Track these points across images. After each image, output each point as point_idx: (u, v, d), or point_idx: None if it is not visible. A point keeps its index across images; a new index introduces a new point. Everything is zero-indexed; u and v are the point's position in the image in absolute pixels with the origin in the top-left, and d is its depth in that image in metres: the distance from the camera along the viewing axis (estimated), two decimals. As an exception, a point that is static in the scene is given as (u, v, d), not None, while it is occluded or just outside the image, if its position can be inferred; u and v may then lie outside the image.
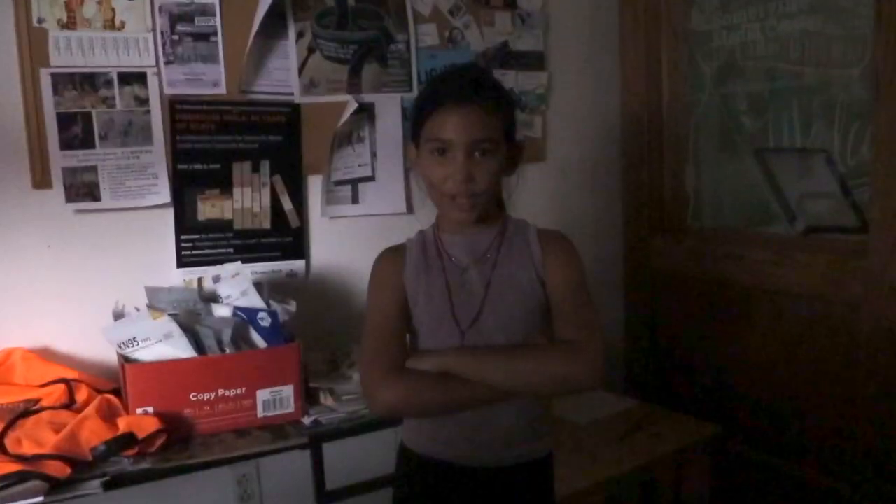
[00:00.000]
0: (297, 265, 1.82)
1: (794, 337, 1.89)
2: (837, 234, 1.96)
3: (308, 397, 1.51)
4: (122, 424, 1.34)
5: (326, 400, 1.51)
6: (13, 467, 1.20)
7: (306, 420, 1.47)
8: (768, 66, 2.10)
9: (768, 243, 2.00)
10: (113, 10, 1.60)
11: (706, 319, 2.13)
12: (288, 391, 1.47)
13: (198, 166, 1.70)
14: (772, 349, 1.94)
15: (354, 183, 1.87)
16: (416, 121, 1.17)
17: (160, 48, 1.64)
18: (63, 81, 1.57)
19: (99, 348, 1.58)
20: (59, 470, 1.22)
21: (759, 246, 2.00)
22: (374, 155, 1.88)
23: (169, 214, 1.69)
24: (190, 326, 1.41)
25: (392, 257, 1.23)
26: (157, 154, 1.65)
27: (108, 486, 1.24)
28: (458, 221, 1.18)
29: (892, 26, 1.61)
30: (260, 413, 1.45)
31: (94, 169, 1.61)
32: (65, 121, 1.58)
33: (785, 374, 1.91)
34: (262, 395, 1.45)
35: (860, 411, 1.71)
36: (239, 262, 1.59)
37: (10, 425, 1.34)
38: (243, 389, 1.43)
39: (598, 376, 1.09)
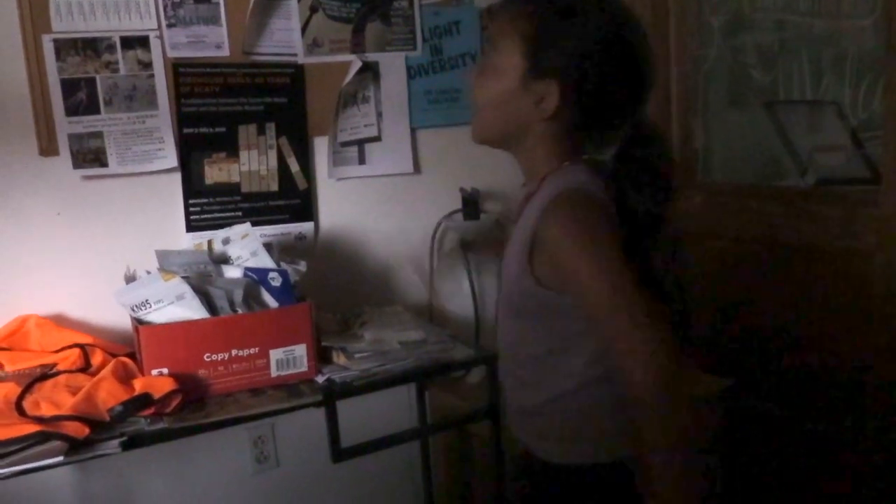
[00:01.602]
0: (306, 227, 1.82)
1: (808, 288, 1.88)
2: (849, 186, 1.94)
3: (321, 356, 1.52)
4: (138, 385, 1.35)
5: (339, 359, 1.52)
6: (33, 428, 1.21)
7: (319, 378, 1.48)
8: (777, 18, 2.06)
9: (779, 196, 1.98)
10: (113, -28, 1.58)
11: (718, 274, 2.12)
12: (301, 350, 1.47)
13: (203, 130, 1.69)
14: (785, 301, 1.94)
15: (361, 144, 1.86)
16: None
17: (162, 11, 1.62)
18: (65, 47, 1.56)
19: (112, 314, 1.60)
20: (77, 430, 1.23)
21: (770, 199, 1.98)
22: (379, 115, 1.87)
23: (176, 179, 1.69)
24: (201, 288, 1.41)
25: None
26: (162, 118, 1.65)
27: (126, 446, 1.24)
28: None
29: (904, -27, 1.58)
30: (274, 372, 1.46)
31: (100, 135, 1.60)
32: (69, 87, 1.57)
33: (799, 326, 1.91)
34: (276, 354, 1.45)
35: (874, 361, 1.71)
36: (248, 224, 1.59)
37: (28, 389, 1.35)
38: (256, 349, 1.44)
39: (663, 380, 0.87)
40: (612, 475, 1.01)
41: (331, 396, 1.44)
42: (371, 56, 1.83)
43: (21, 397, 1.32)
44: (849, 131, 2.06)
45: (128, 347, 1.54)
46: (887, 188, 1.66)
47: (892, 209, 1.64)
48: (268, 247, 1.53)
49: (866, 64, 1.89)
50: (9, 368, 1.47)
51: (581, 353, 1.01)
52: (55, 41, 1.55)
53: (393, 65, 1.87)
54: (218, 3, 1.67)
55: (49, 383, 1.39)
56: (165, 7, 1.63)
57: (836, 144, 2.08)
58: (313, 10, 1.77)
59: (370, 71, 1.84)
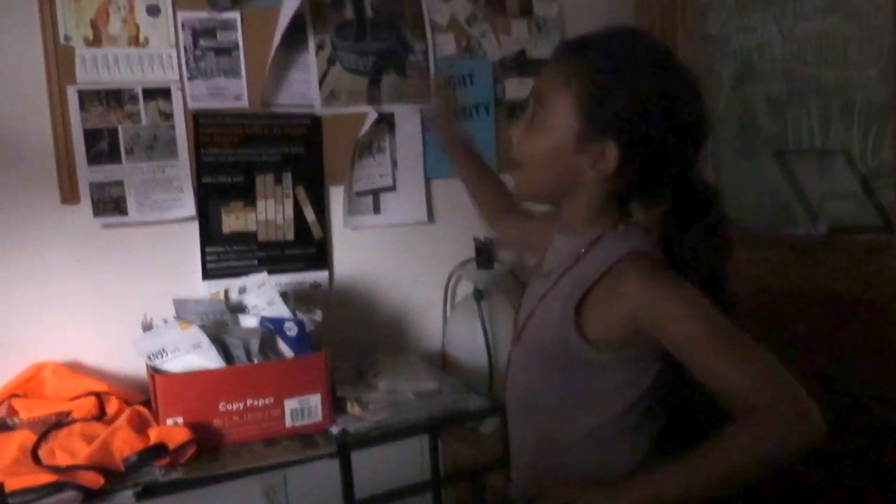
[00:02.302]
0: (321, 276, 1.84)
1: (824, 339, 1.87)
2: (861, 235, 1.94)
3: (335, 406, 1.52)
4: (153, 435, 1.35)
5: (353, 409, 1.52)
6: (48, 478, 1.21)
7: (334, 429, 1.47)
8: (785, 68, 2.09)
9: (792, 244, 1.98)
10: (137, 27, 1.62)
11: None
12: (315, 400, 1.47)
13: (222, 179, 1.72)
14: (798, 351, 1.92)
15: (375, 193, 1.89)
16: None
17: (184, 63, 1.67)
18: (89, 98, 1.60)
19: (128, 361, 1.61)
20: (92, 480, 1.23)
21: (782, 247, 1.98)
22: (394, 165, 1.90)
23: (194, 227, 1.71)
24: (218, 337, 1.42)
25: None
26: (181, 167, 1.68)
27: (140, 496, 1.25)
28: None
29: (910, 25, 1.60)
30: (288, 422, 1.46)
31: (120, 183, 1.63)
32: (91, 136, 1.60)
33: (814, 378, 1.89)
34: (290, 404, 1.45)
35: (892, 414, 1.69)
36: (264, 273, 1.60)
37: (44, 437, 1.35)
38: (271, 399, 1.44)
39: (808, 428, 0.84)
40: None
41: (345, 447, 1.44)
42: (387, 107, 1.87)
43: (37, 446, 1.32)
44: (859, 179, 2.07)
45: (143, 395, 1.55)
46: (900, 238, 1.66)
47: (905, 259, 1.65)
48: (284, 296, 1.55)
49: (874, 113, 1.91)
50: (24, 416, 1.47)
51: (600, 413, 1.00)
52: (80, 92, 1.59)
53: (408, 116, 1.90)
54: (238, 56, 1.71)
55: (64, 431, 1.39)
56: (188, 60, 1.67)
57: (847, 192, 2.09)
58: (331, 62, 1.81)
59: (386, 122, 1.87)
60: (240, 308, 1.55)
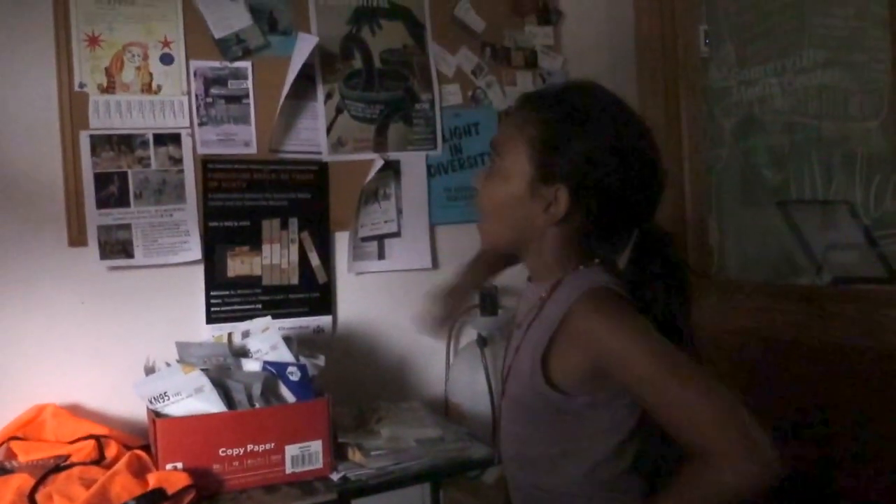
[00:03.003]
0: (325, 321, 1.84)
1: (831, 390, 1.85)
2: (865, 285, 1.94)
3: (336, 453, 1.50)
4: (152, 480, 1.33)
5: (355, 455, 1.50)
6: (44, 523, 1.20)
7: (335, 476, 1.45)
8: (787, 120, 2.12)
9: (796, 294, 1.98)
10: (150, 74, 1.66)
11: (734, 374, 2.10)
12: (317, 446, 1.46)
13: (228, 223, 1.74)
14: (804, 402, 1.91)
15: (381, 239, 1.90)
16: None
17: (195, 110, 1.70)
18: (101, 143, 1.63)
19: (129, 405, 1.60)
20: (89, 526, 1.21)
21: (786, 297, 1.98)
22: (399, 212, 1.91)
23: (199, 271, 1.72)
24: (220, 381, 1.41)
25: None
26: (189, 212, 1.69)
27: (137, 544, 1.23)
28: None
29: (909, 79, 1.63)
30: (288, 469, 1.44)
31: (128, 227, 1.65)
32: (101, 180, 1.63)
33: (820, 428, 1.87)
34: (291, 450, 1.44)
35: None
36: (269, 317, 1.60)
37: (42, 481, 1.33)
38: (272, 444, 1.42)
39: (762, 468, 0.82)
40: None
41: (345, 495, 1.41)
42: (393, 155, 1.89)
43: (34, 490, 1.30)
44: (862, 230, 2.08)
45: (142, 439, 1.53)
46: (905, 289, 1.66)
47: (910, 310, 1.64)
48: (287, 340, 1.54)
49: (876, 164, 1.93)
50: (22, 459, 1.46)
51: (585, 458, 1.00)
52: (91, 137, 1.62)
53: (414, 163, 1.92)
54: (248, 104, 1.74)
55: (63, 475, 1.38)
56: (199, 107, 1.70)
57: (851, 243, 2.09)
58: (339, 110, 1.84)
59: (391, 169, 1.89)
60: (243, 352, 1.54)
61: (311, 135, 1.82)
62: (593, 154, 0.97)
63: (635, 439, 1.00)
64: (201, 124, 1.71)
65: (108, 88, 1.63)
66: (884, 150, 1.82)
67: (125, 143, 1.65)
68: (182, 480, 1.32)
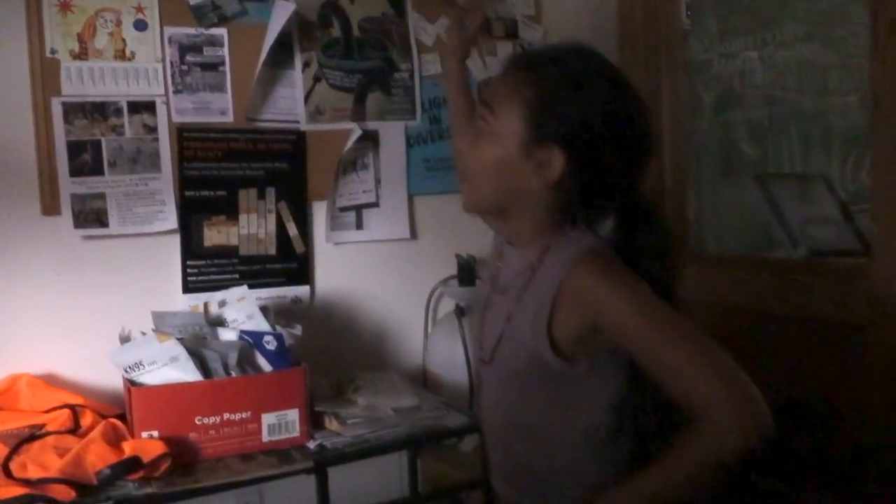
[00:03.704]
0: (302, 291, 1.83)
1: (803, 361, 1.88)
2: (840, 258, 1.96)
3: (313, 422, 1.51)
4: (128, 448, 1.33)
5: (331, 424, 1.51)
6: (19, 491, 1.19)
7: (311, 444, 1.46)
8: (766, 94, 2.13)
9: (771, 267, 2.00)
10: (124, 41, 1.63)
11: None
12: (293, 415, 1.46)
13: (204, 193, 1.72)
14: (780, 374, 1.93)
15: (359, 209, 1.89)
16: None
17: (169, 78, 1.67)
18: (74, 110, 1.60)
19: (104, 374, 1.59)
20: (63, 494, 1.21)
21: (762, 270, 2.00)
22: (378, 181, 1.90)
23: (176, 240, 1.70)
24: (196, 350, 1.41)
25: None
26: (164, 181, 1.68)
27: (112, 511, 1.23)
28: None
29: (887, 54, 1.63)
30: (265, 437, 1.44)
31: (102, 196, 1.63)
32: (74, 149, 1.60)
33: (794, 399, 1.90)
34: (268, 419, 1.44)
35: (869, 434, 1.70)
36: (245, 287, 1.60)
37: (16, 450, 1.33)
38: (248, 413, 1.43)
39: (755, 428, 0.85)
40: None
41: (322, 463, 1.42)
42: (371, 125, 1.88)
43: (8, 458, 1.30)
44: (838, 204, 2.10)
45: (118, 408, 1.53)
46: (877, 261, 1.68)
47: (882, 282, 1.66)
48: (263, 310, 1.54)
49: (853, 139, 1.94)
50: (-3, 428, 1.46)
51: (582, 423, 1.01)
52: (64, 104, 1.59)
53: (392, 133, 1.91)
54: (224, 72, 1.72)
55: (37, 444, 1.37)
56: (173, 74, 1.68)
57: (827, 217, 2.11)
58: (316, 79, 1.82)
59: (370, 139, 1.88)
60: (219, 322, 1.54)
61: (288, 104, 1.80)
62: (589, 117, 0.95)
63: (626, 403, 1.02)
64: (176, 92, 1.68)
65: (81, 55, 1.60)
66: (861, 125, 1.83)
67: (98, 110, 1.62)
68: (157, 448, 1.32)
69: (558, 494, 1.05)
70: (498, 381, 1.08)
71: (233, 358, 1.43)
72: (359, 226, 1.89)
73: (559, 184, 0.98)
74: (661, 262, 1.00)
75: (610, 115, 0.96)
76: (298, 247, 1.82)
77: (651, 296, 0.92)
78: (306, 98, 1.81)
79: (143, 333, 1.45)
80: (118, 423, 1.44)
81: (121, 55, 1.64)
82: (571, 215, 1.03)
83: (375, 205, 1.91)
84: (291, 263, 1.82)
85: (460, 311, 1.84)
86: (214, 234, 1.73)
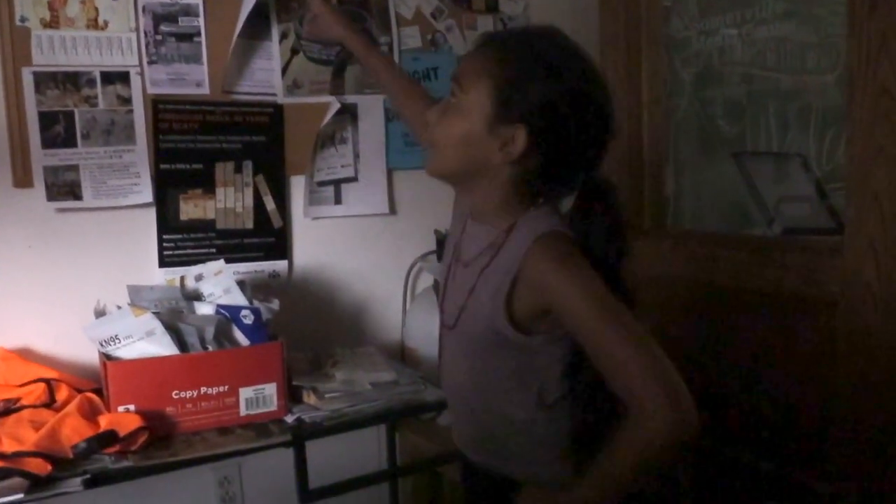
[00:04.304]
0: (280, 265, 1.82)
1: (775, 336, 1.91)
2: (814, 236, 1.99)
3: (291, 396, 1.51)
4: (104, 422, 1.33)
5: (309, 398, 1.51)
6: (-7, 464, 1.19)
7: (289, 418, 1.47)
8: (745, 72, 2.14)
9: (746, 244, 2.03)
10: (96, 9, 1.59)
11: (686, 321, 2.15)
12: (271, 389, 1.46)
13: (180, 166, 1.70)
14: (751, 349, 1.97)
15: (337, 184, 1.88)
16: None
17: (143, 48, 1.64)
18: (45, 80, 1.56)
19: (80, 349, 1.58)
20: (39, 467, 1.20)
21: (737, 247, 2.02)
22: (356, 156, 1.89)
23: (151, 214, 1.68)
24: (172, 324, 1.40)
25: None
26: (139, 153, 1.65)
27: (89, 484, 1.22)
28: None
29: (865, 33, 1.64)
30: (243, 411, 1.45)
31: (75, 168, 1.60)
32: (47, 120, 1.57)
33: (764, 373, 1.94)
34: (245, 392, 1.44)
35: (837, 409, 1.73)
36: (222, 261, 1.59)
37: (-10, 424, 1.33)
38: (226, 387, 1.43)
39: (684, 424, 0.90)
40: None
41: (300, 437, 1.43)
42: (350, 98, 1.86)
43: (-18, 432, 1.29)
44: (813, 182, 2.13)
45: (94, 383, 1.52)
46: (850, 239, 1.70)
47: (854, 259, 1.69)
48: (241, 284, 1.53)
49: (830, 118, 1.96)
50: (-29, 403, 1.44)
51: (536, 386, 1.07)
52: (35, 74, 1.56)
53: (371, 107, 1.89)
54: (200, 42, 1.69)
55: (12, 418, 1.37)
56: (147, 44, 1.64)
57: (802, 195, 2.14)
58: (294, 51, 1.80)
59: (348, 113, 1.86)
60: (195, 296, 1.53)
61: (265, 76, 1.77)
62: (554, 98, 0.99)
63: (574, 370, 1.07)
64: (151, 63, 1.65)
65: (52, 23, 1.56)
66: (838, 104, 1.85)
67: (71, 81, 1.59)
68: (134, 422, 1.32)
69: (517, 455, 1.11)
70: (460, 347, 1.13)
71: (209, 332, 1.42)
72: (337, 200, 1.88)
73: (521, 161, 1.02)
74: (612, 243, 1.04)
75: (575, 99, 1.00)
76: (276, 221, 1.81)
77: (601, 287, 0.97)
78: (284, 70, 1.79)
79: (119, 307, 1.44)
80: (94, 397, 1.44)
81: (93, 24, 1.60)
82: (534, 193, 1.06)
83: (354, 179, 1.89)
84: (269, 238, 1.80)
85: (439, 287, 1.84)
86: (191, 208, 1.72)
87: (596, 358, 0.96)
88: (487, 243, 1.07)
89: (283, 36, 1.78)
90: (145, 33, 1.64)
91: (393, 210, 1.95)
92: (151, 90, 1.66)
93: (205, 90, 1.71)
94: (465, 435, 1.20)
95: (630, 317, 0.95)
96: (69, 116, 1.59)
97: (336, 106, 1.82)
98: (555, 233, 1.03)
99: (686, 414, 0.90)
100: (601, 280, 0.97)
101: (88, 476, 1.23)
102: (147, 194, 1.67)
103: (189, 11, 1.68)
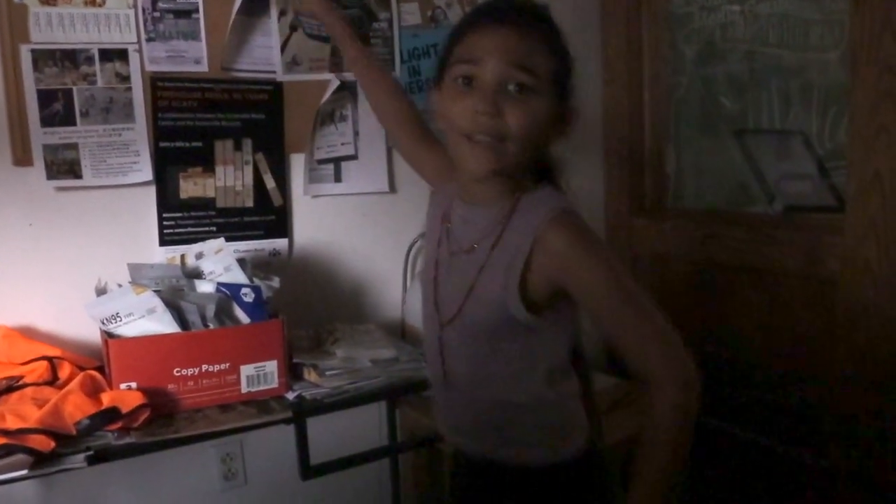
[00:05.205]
0: (280, 243, 1.83)
1: (774, 314, 1.92)
2: (815, 214, 1.99)
3: (292, 373, 1.52)
4: (106, 399, 1.34)
5: (310, 375, 1.52)
6: (-3, 441, 1.20)
7: (290, 395, 1.47)
8: (747, 49, 2.12)
9: (747, 222, 2.03)
10: (94, -15, 1.58)
11: (686, 299, 2.16)
12: (272, 367, 1.47)
13: (180, 144, 1.69)
14: (751, 327, 1.98)
15: (337, 162, 1.87)
16: (443, 54, 1.00)
17: (141, 25, 1.63)
18: (43, 58, 1.55)
19: (81, 327, 1.58)
20: (43, 444, 1.21)
21: (737, 225, 2.02)
22: (356, 134, 1.88)
23: (151, 192, 1.68)
24: (173, 302, 1.41)
25: None
26: (138, 131, 1.65)
27: (92, 461, 1.23)
28: (472, 173, 0.98)
29: (868, 10, 1.63)
30: (244, 388, 1.46)
31: (75, 146, 1.60)
32: (45, 98, 1.56)
33: (764, 352, 1.95)
34: (246, 370, 1.45)
35: (837, 387, 1.74)
36: (222, 239, 1.59)
37: (-7, 401, 1.34)
38: (227, 365, 1.43)
39: (696, 388, 0.95)
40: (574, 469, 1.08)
41: (301, 413, 1.44)
42: (349, 75, 1.85)
43: (-15, 409, 1.30)
44: (815, 161, 2.11)
45: (96, 361, 1.53)
46: (851, 217, 1.70)
47: (855, 237, 1.69)
48: (241, 262, 1.54)
49: (832, 95, 1.94)
50: (-26, 380, 1.45)
51: (543, 367, 1.05)
52: (33, 51, 1.55)
53: (371, 85, 1.88)
54: (198, 19, 1.68)
55: (15, 396, 1.37)
56: (145, 21, 1.63)
57: (804, 173, 2.13)
58: (293, 28, 1.78)
59: (348, 90, 1.85)
60: (196, 274, 1.53)
61: (264, 53, 1.76)
62: (572, 70, 1.00)
63: (577, 340, 1.09)
64: (149, 40, 1.64)
65: (49, 0, 1.55)
66: (841, 82, 1.83)
67: (69, 58, 1.58)
68: (136, 399, 1.33)
69: (516, 440, 1.09)
70: (463, 337, 1.07)
71: (210, 310, 1.43)
72: (337, 178, 1.88)
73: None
74: None
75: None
76: (276, 199, 1.81)
77: (620, 265, 0.98)
78: (283, 47, 1.78)
79: (120, 286, 1.45)
80: (96, 374, 1.44)
81: (91, 1, 1.59)
82: (537, 170, 1.05)
83: (354, 157, 1.89)
84: (269, 216, 1.80)
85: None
86: (190, 186, 1.71)
87: (614, 334, 0.97)
88: (489, 225, 1.03)
89: (282, 13, 1.77)
90: (143, 10, 1.63)
91: (393, 188, 1.95)
92: (150, 67, 1.65)
93: (203, 67, 1.70)
94: (460, 426, 1.15)
95: (646, 296, 0.96)
96: (68, 94, 1.58)
97: (336, 83, 1.81)
98: (566, 209, 0.99)
99: (695, 378, 0.95)
100: (618, 259, 0.98)
101: (92, 452, 1.24)
102: (147, 172, 1.66)
103: (187, -12, 1.66)
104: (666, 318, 0.96)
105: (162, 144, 1.68)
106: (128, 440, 1.30)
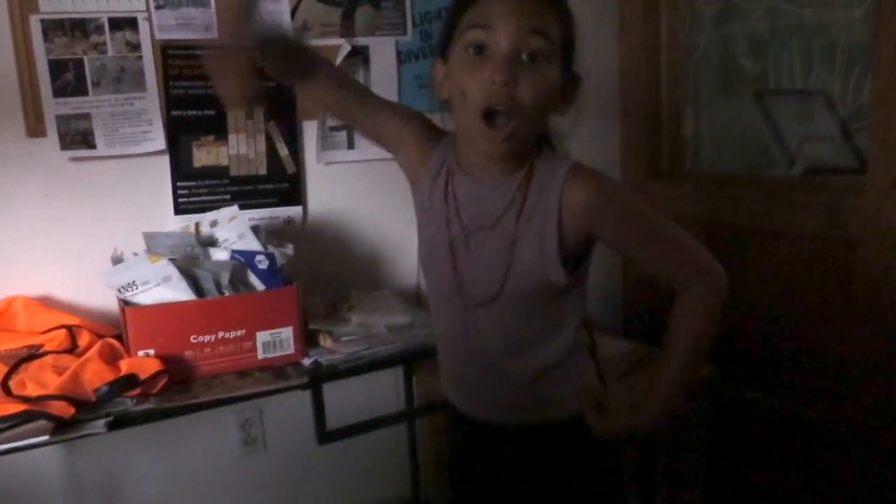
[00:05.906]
0: (294, 211, 1.83)
1: (793, 277, 1.89)
2: (836, 176, 1.95)
3: (307, 339, 1.53)
4: (125, 366, 1.35)
5: (326, 342, 1.53)
6: (18, 408, 1.22)
7: (306, 361, 1.48)
8: (768, 7, 2.06)
9: (766, 185, 1.99)
10: (101, -48, 1.57)
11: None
12: (287, 333, 1.48)
13: (192, 112, 1.69)
14: (771, 290, 1.95)
15: (349, 128, 1.86)
16: (449, 21, 0.95)
17: (150, -8, 1.62)
18: (53, 28, 1.55)
19: (99, 296, 1.60)
20: (63, 410, 1.23)
21: (757, 188, 1.99)
22: (369, 100, 1.87)
23: (165, 161, 1.68)
24: (188, 270, 1.42)
25: None
26: (150, 100, 1.64)
27: (112, 426, 1.25)
28: (485, 154, 0.96)
29: (893, -36, 1.58)
30: (260, 354, 1.47)
31: (87, 116, 1.60)
32: (56, 68, 1.56)
33: (783, 315, 1.92)
34: (262, 336, 1.46)
35: (856, 349, 1.72)
36: (235, 206, 1.59)
37: (15, 369, 1.35)
38: (243, 331, 1.44)
39: (726, 284, 1.03)
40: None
41: (317, 379, 1.45)
42: (361, 40, 1.83)
43: (7, 377, 1.32)
44: (838, 122, 2.07)
45: (114, 329, 1.55)
46: (873, 178, 1.67)
47: (877, 198, 1.66)
48: (255, 230, 1.54)
49: (856, 54, 1.90)
50: (-5, 348, 1.47)
51: (570, 326, 1.07)
52: (42, 21, 1.54)
53: (383, 49, 1.86)
54: (207, -14, 1.66)
55: (35, 363, 1.39)
56: (154, -12, 1.62)
57: (825, 135, 2.09)
58: (302, -7, 1.76)
59: (360, 55, 1.83)
60: (210, 242, 1.54)
61: (274, 19, 1.74)
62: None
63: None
64: (158, 7, 1.63)
65: (57, -32, 1.54)
66: (865, 41, 1.78)
67: (79, 27, 1.58)
68: (154, 366, 1.34)
69: (542, 402, 1.09)
70: (500, 315, 1.04)
71: (225, 277, 1.44)
72: (350, 145, 1.87)
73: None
74: None
75: None
76: (289, 167, 1.80)
77: (638, 196, 1.07)
78: (293, 13, 1.76)
79: (135, 254, 1.46)
80: (115, 342, 1.46)
81: (99, -31, 1.58)
82: (542, 137, 1.04)
83: (367, 124, 1.87)
84: (283, 184, 1.80)
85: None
86: (204, 155, 1.71)
87: (649, 260, 1.03)
88: (506, 197, 0.99)
89: (291, -23, 1.75)
90: (151, -23, 1.62)
91: (406, 154, 1.93)
92: (159, 36, 1.64)
93: (213, 34, 1.68)
94: (489, 401, 1.11)
95: (670, 220, 1.02)
96: (79, 64, 1.58)
97: (347, 48, 1.79)
98: (579, 163, 1.00)
99: (724, 278, 1.04)
100: (637, 193, 1.07)
101: (111, 418, 1.26)
102: (160, 141, 1.66)
103: (195, -47, 1.64)
104: (692, 234, 1.03)
105: (174, 113, 1.67)
106: (146, 406, 1.32)
